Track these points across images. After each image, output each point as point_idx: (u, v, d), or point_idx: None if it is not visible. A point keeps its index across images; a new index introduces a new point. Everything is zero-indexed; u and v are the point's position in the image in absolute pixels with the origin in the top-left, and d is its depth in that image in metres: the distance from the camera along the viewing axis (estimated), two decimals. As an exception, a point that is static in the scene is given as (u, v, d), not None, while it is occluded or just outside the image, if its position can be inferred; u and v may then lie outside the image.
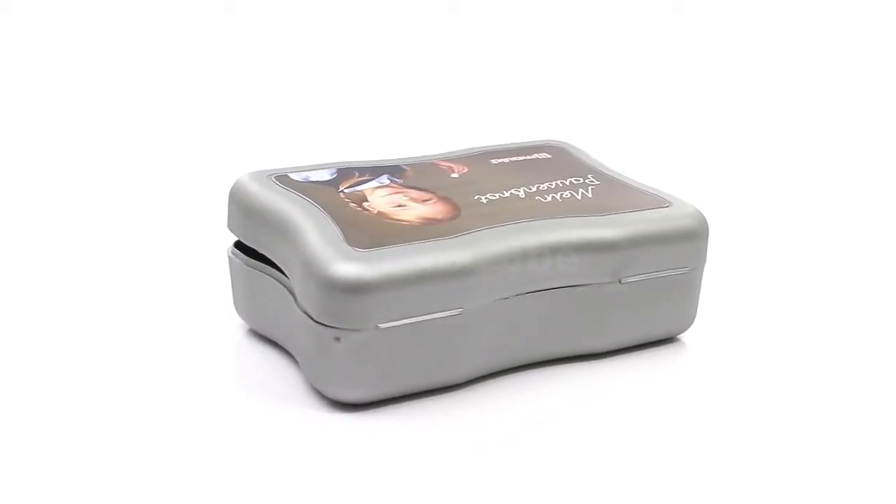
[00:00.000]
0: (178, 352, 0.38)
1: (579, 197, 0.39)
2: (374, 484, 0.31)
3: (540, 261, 0.36)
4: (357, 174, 0.40)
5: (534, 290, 0.36)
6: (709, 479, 0.32)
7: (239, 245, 0.39)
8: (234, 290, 0.39)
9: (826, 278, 0.48)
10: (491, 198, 0.39)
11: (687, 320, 0.40)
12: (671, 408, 0.36)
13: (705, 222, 0.40)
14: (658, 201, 0.40)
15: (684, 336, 0.41)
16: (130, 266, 0.45)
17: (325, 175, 0.40)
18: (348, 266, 0.33)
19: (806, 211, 0.56)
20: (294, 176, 0.39)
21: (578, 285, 0.37)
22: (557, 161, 0.43)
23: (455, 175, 0.41)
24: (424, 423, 0.34)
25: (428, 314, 0.34)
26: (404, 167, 0.41)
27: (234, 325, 0.40)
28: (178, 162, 0.56)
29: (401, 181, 0.40)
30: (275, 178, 0.39)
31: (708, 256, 0.47)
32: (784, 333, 0.42)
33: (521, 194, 0.39)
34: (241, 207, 0.38)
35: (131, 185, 0.54)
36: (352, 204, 0.37)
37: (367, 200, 0.38)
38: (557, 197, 0.39)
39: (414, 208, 0.37)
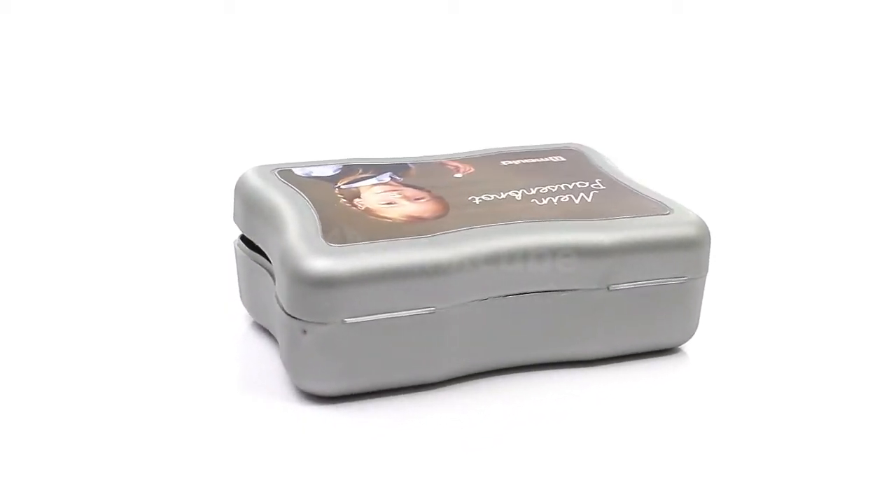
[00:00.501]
0: (183, 342, 0.39)
1: (577, 201, 0.39)
2: (338, 478, 0.32)
3: (520, 263, 0.36)
4: (361, 171, 0.41)
5: (514, 292, 0.36)
6: (692, 495, 0.32)
7: (244, 237, 0.40)
8: (238, 283, 0.41)
9: (835, 290, 0.46)
10: (485, 199, 0.39)
11: (687, 331, 0.39)
12: (657, 417, 0.36)
13: (706, 231, 0.38)
14: (659, 208, 0.39)
15: (686, 347, 0.40)
16: (145, 257, 0.46)
17: (328, 171, 0.41)
18: (317, 260, 0.34)
19: (824, 222, 0.54)
20: (297, 171, 0.40)
21: (562, 290, 0.37)
22: (570, 165, 0.43)
23: (459, 175, 0.41)
24: (400, 420, 0.35)
25: (397, 311, 0.34)
26: (411, 165, 0.42)
27: (240, 318, 0.41)
28: (200, 158, 0.58)
29: (401, 179, 0.40)
30: (278, 172, 0.40)
31: (720, 266, 0.46)
32: (789, 348, 0.41)
33: (518, 196, 0.39)
34: (243, 200, 0.39)
35: (152, 180, 0.56)
36: (342, 200, 0.38)
37: (359, 197, 0.38)
38: (554, 200, 0.39)
39: (403, 206, 0.38)
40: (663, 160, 0.61)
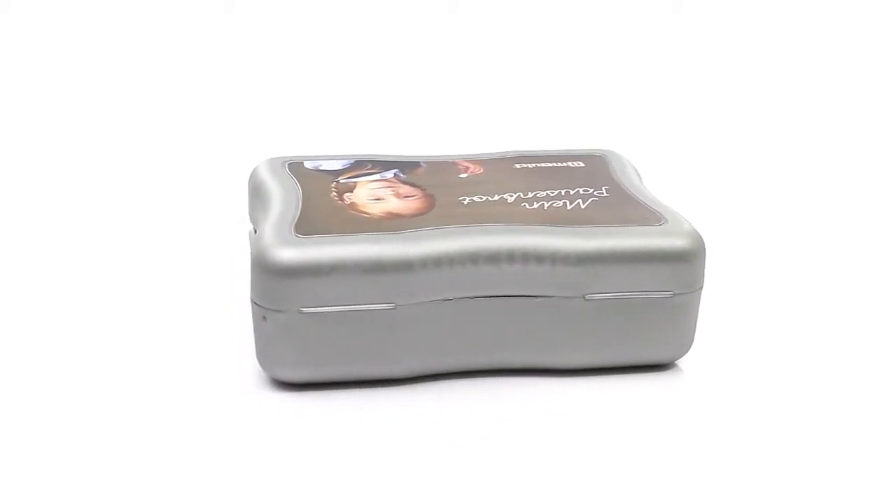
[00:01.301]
0: (189, 331, 0.41)
1: (569, 207, 0.38)
2: (283, 463, 0.33)
3: (485, 265, 0.36)
4: (370, 166, 0.41)
5: (483, 295, 0.36)
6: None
7: (259, 225, 0.42)
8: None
9: (842, 309, 0.43)
10: (476, 200, 0.39)
11: (679, 348, 0.38)
12: (627, 430, 0.35)
13: (698, 245, 0.37)
14: (653, 218, 0.38)
15: (681, 363, 0.39)
16: (171, 245, 0.48)
17: (337, 165, 0.42)
18: (278, 249, 0.35)
19: (837, 236, 0.51)
20: (307, 164, 0.41)
21: (534, 296, 0.36)
22: (585, 171, 0.42)
23: (464, 175, 0.41)
24: (359, 411, 0.35)
25: (355, 304, 0.35)
26: (422, 164, 0.42)
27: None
28: (236, 154, 0.58)
29: (404, 177, 0.40)
30: (288, 164, 0.41)
31: (732, 278, 0.44)
32: (786, 374, 0.39)
33: (511, 199, 0.39)
34: (250, 190, 0.41)
35: (180, 177, 0.57)
36: (333, 193, 0.39)
37: (351, 192, 0.39)
38: (545, 205, 0.38)
39: (388, 203, 0.38)
40: (701, 169, 0.59)
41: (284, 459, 0.33)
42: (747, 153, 0.62)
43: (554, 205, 0.38)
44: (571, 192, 0.39)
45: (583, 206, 0.38)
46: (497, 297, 0.36)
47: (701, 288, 0.37)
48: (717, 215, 0.52)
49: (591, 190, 0.40)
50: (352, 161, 0.42)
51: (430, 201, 0.38)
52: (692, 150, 0.63)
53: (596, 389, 0.37)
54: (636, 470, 0.33)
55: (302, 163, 0.42)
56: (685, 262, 0.37)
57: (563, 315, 0.36)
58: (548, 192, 0.39)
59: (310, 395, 0.36)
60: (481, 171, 0.41)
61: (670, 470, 0.33)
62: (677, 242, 0.37)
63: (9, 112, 0.64)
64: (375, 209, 0.37)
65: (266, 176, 0.40)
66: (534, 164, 0.42)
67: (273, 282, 0.34)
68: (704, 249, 0.37)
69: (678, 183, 0.54)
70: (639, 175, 0.43)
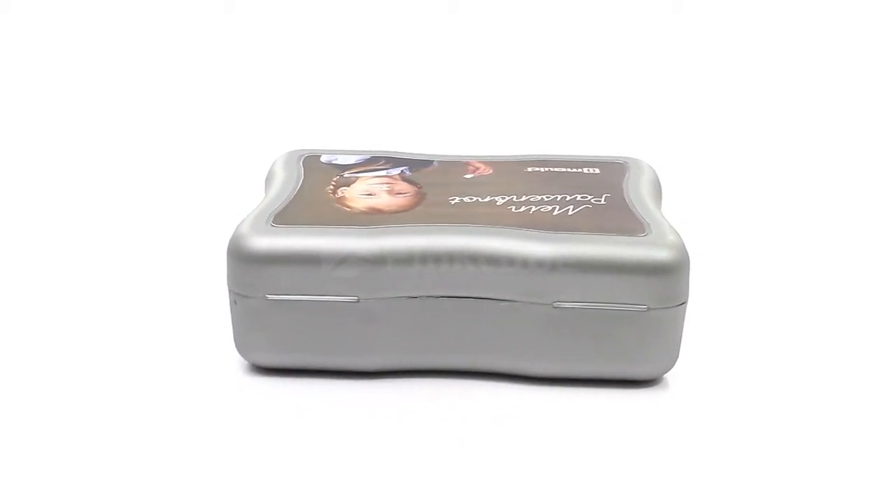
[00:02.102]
0: (184, 317, 0.42)
1: (555, 213, 0.37)
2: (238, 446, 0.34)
3: (454, 265, 0.35)
4: (382, 162, 0.42)
5: (449, 295, 0.36)
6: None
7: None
8: None
9: (841, 327, 0.41)
10: (466, 201, 0.38)
11: (659, 365, 0.36)
12: (575, 443, 0.34)
13: (678, 259, 0.35)
14: (638, 228, 0.36)
15: (668, 380, 0.37)
16: (186, 230, 0.49)
17: (352, 159, 0.42)
18: (248, 237, 0.36)
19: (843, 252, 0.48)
20: (324, 157, 0.42)
21: (501, 300, 0.36)
22: (597, 177, 0.41)
23: (469, 176, 0.41)
24: (322, 399, 0.36)
25: (318, 295, 0.36)
26: (435, 163, 0.42)
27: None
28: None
29: (409, 174, 0.41)
30: (305, 157, 0.42)
31: (729, 292, 0.42)
32: (777, 402, 0.36)
33: (500, 201, 0.38)
34: (265, 181, 0.42)
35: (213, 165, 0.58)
36: (330, 187, 0.39)
37: (348, 186, 0.40)
38: (532, 210, 0.38)
39: (378, 198, 0.38)
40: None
41: (244, 440, 0.34)
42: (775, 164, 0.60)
43: (541, 209, 0.38)
44: (567, 199, 0.39)
45: (571, 213, 0.37)
46: (463, 298, 0.36)
47: (682, 304, 0.36)
48: (745, 228, 0.51)
49: (590, 197, 0.39)
50: (368, 157, 0.43)
51: (419, 199, 0.38)
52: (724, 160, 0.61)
53: (564, 399, 0.36)
54: (580, 485, 0.32)
55: (319, 156, 0.43)
56: (661, 276, 0.35)
57: (530, 321, 0.36)
58: (543, 196, 0.39)
59: (280, 380, 0.37)
60: (490, 172, 0.41)
61: (621, 490, 0.32)
62: (654, 254, 0.35)
63: (25, 111, 0.66)
64: (360, 204, 0.38)
65: (278, 168, 0.42)
66: (546, 169, 0.42)
67: (240, 268, 0.36)
68: (686, 264, 0.35)
69: (706, 192, 0.53)
70: (656, 185, 0.41)
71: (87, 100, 0.67)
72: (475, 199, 0.39)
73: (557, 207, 0.38)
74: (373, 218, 0.37)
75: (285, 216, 0.37)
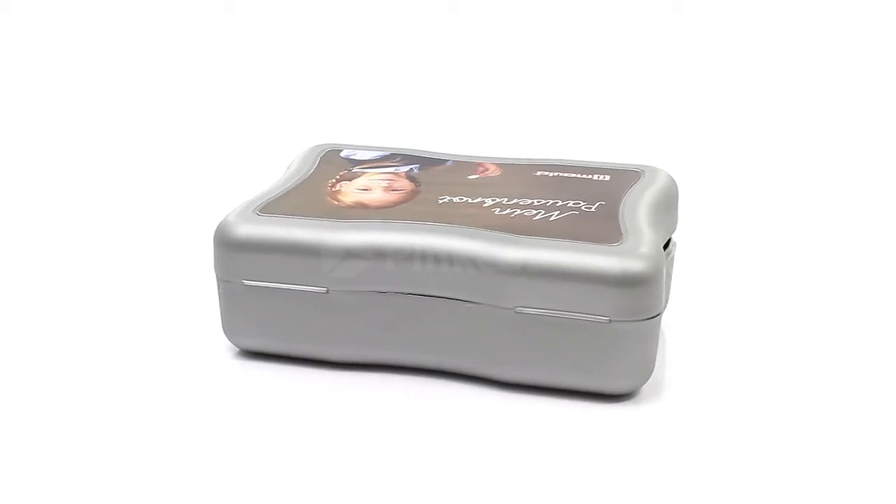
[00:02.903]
0: (183, 301, 0.44)
1: (536, 218, 0.37)
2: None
3: (421, 264, 0.36)
4: (399, 159, 0.42)
5: (417, 292, 0.36)
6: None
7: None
8: None
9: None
10: (455, 201, 0.38)
11: (628, 379, 0.35)
12: (521, 452, 0.33)
13: (645, 271, 0.34)
14: (613, 238, 0.35)
15: (645, 395, 0.36)
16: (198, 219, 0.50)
17: (369, 155, 0.43)
18: (231, 224, 0.37)
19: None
20: (344, 152, 0.43)
21: (466, 301, 0.36)
22: (602, 184, 0.40)
23: (474, 177, 0.41)
24: (294, 386, 0.37)
25: (290, 284, 0.37)
26: (449, 162, 0.42)
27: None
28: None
29: (417, 172, 0.41)
30: (326, 151, 0.43)
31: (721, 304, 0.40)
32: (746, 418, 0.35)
33: (488, 203, 0.38)
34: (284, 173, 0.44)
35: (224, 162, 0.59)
36: (332, 180, 0.40)
37: (350, 181, 0.40)
38: (514, 213, 0.37)
39: (371, 194, 0.39)
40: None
41: (213, 420, 0.35)
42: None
43: (524, 214, 0.37)
44: (558, 204, 0.38)
45: (552, 219, 0.37)
46: (429, 296, 0.36)
47: (651, 318, 0.34)
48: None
49: (581, 204, 0.38)
50: (386, 154, 0.43)
51: (409, 197, 0.39)
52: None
53: (526, 407, 0.36)
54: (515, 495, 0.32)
55: (341, 151, 0.44)
56: (623, 288, 0.34)
57: (493, 325, 0.35)
58: (534, 200, 0.38)
59: (257, 363, 0.38)
60: (497, 174, 0.41)
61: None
62: (617, 265, 0.34)
63: (36, 111, 0.68)
64: (350, 198, 0.39)
65: (296, 160, 0.43)
66: (555, 174, 0.41)
67: (222, 253, 0.37)
68: (654, 278, 0.34)
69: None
70: (666, 196, 0.40)
71: (127, 97, 0.69)
72: (465, 199, 0.38)
73: (542, 212, 0.37)
74: (355, 212, 0.38)
75: (273, 206, 0.38)
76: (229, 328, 0.38)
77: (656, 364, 0.37)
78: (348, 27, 0.73)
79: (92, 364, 0.39)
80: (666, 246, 0.40)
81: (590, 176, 0.41)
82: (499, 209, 0.38)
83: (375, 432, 0.34)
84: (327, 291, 0.36)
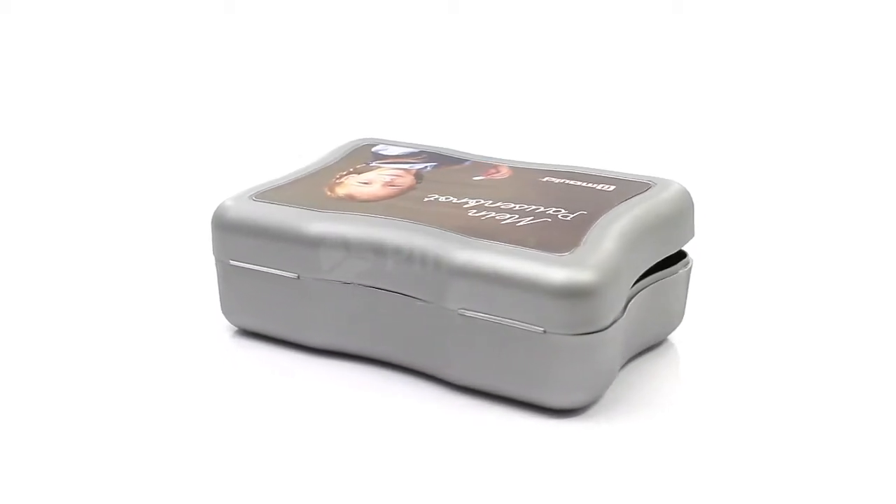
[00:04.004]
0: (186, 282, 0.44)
1: (504, 222, 0.36)
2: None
3: (377, 257, 0.36)
4: (422, 157, 0.43)
5: (375, 286, 0.36)
6: None
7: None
8: None
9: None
10: (440, 200, 0.38)
11: (571, 393, 0.34)
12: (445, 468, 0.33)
13: (586, 285, 0.33)
14: (567, 246, 0.34)
15: (594, 412, 0.34)
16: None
17: (396, 151, 0.44)
18: (225, 207, 0.39)
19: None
20: (377, 147, 0.44)
21: (417, 299, 0.36)
22: (601, 194, 0.38)
23: (479, 178, 0.41)
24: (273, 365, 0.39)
25: (266, 267, 0.38)
26: (467, 162, 0.42)
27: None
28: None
29: (426, 170, 0.41)
30: (362, 145, 0.45)
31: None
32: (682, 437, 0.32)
33: (470, 204, 0.38)
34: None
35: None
36: (342, 172, 0.41)
37: (358, 173, 0.41)
38: (486, 216, 0.37)
39: (368, 188, 0.40)
40: None
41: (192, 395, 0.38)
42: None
43: (496, 217, 0.37)
44: (538, 210, 0.37)
45: (520, 224, 0.36)
46: (386, 291, 0.36)
47: (592, 333, 0.33)
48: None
49: (562, 211, 0.37)
50: (414, 151, 0.44)
51: (399, 193, 0.39)
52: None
53: (466, 412, 0.35)
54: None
55: (376, 145, 0.44)
56: (559, 299, 0.33)
57: (440, 325, 0.35)
58: (516, 205, 0.37)
59: (248, 343, 0.40)
60: (504, 177, 0.40)
61: None
62: (555, 275, 0.33)
63: (41, 111, 0.70)
64: (344, 190, 0.40)
65: (328, 152, 0.44)
66: (561, 180, 0.40)
67: (215, 233, 0.39)
68: (595, 293, 0.33)
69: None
70: (667, 211, 0.37)
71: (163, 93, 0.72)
72: (450, 199, 0.38)
73: (516, 217, 0.36)
74: (340, 204, 0.38)
75: (270, 193, 0.40)
76: (224, 306, 0.40)
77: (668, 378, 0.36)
78: (420, 31, 0.75)
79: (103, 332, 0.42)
80: (675, 261, 0.38)
81: (594, 185, 0.39)
82: (475, 211, 0.37)
83: (304, 419, 0.35)
84: (298, 277, 0.38)
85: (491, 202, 0.38)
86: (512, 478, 0.32)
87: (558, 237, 0.35)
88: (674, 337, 0.40)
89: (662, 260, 0.38)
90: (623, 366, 0.37)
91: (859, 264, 0.47)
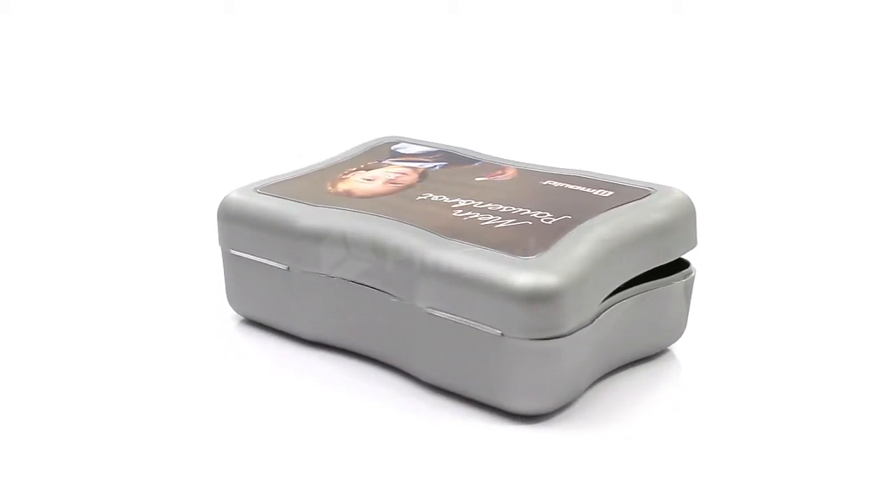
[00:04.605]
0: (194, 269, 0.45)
1: (483, 223, 0.36)
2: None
3: (353, 251, 0.36)
4: (438, 155, 0.43)
5: (357, 281, 0.37)
6: None
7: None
8: None
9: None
10: (432, 199, 0.39)
11: (530, 399, 0.33)
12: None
13: (541, 288, 0.32)
14: (533, 250, 0.34)
15: (563, 420, 0.34)
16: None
17: (413, 150, 0.44)
18: (227, 198, 0.40)
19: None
20: (397, 145, 0.45)
21: (392, 295, 0.36)
22: (594, 199, 0.38)
23: (481, 179, 0.40)
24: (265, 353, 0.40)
25: (260, 257, 0.39)
26: (477, 163, 0.42)
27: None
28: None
29: (438, 169, 0.41)
30: (382, 144, 0.45)
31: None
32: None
33: (460, 204, 0.38)
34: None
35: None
36: (352, 168, 0.42)
37: (367, 170, 0.42)
38: (468, 216, 0.37)
39: (370, 184, 0.40)
40: None
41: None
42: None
43: (478, 218, 0.36)
44: (522, 213, 0.37)
45: (498, 225, 0.36)
46: (364, 286, 0.37)
47: (549, 339, 0.32)
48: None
49: (543, 215, 0.36)
50: (431, 150, 0.44)
51: (397, 191, 0.39)
52: None
53: (434, 412, 0.35)
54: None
55: (395, 144, 0.45)
56: (516, 302, 0.32)
57: (411, 323, 0.35)
58: (503, 207, 0.37)
59: (247, 331, 0.41)
60: (507, 179, 0.40)
61: None
62: (515, 277, 0.32)
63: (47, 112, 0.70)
64: (345, 186, 0.40)
65: (350, 149, 0.45)
66: (561, 184, 0.39)
67: (219, 223, 0.40)
68: (552, 299, 0.32)
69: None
70: (660, 219, 0.36)
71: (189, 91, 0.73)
72: (442, 198, 0.38)
73: (498, 219, 0.36)
74: (335, 199, 0.39)
75: (274, 187, 0.41)
76: (229, 295, 0.41)
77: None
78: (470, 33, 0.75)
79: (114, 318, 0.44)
80: (678, 270, 0.37)
81: (591, 190, 0.39)
82: (461, 211, 0.37)
83: (274, 411, 0.36)
84: (288, 269, 0.38)
85: (481, 203, 0.38)
86: (473, 484, 0.32)
87: (531, 240, 0.34)
88: (675, 347, 0.39)
89: (663, 268, 0.37)
90: (609, 374, 0.37)
91: (871, 279, 0.45)
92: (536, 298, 0.32)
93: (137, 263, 0.48)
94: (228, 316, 0.42)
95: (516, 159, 0.43)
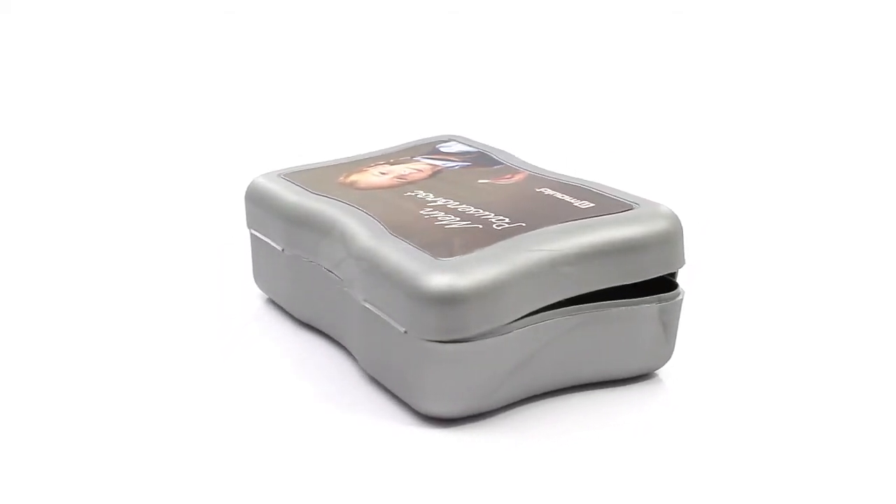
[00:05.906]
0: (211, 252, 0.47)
1: (438, 222, 0.36)
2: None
3: (316, 235, 0.38)
4: (465, 157, 0.43)
5: (322, 265, 0.38)
6: None
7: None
8: None
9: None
10: (417, 196, 0.39)
11: (433, 401, 0.33)
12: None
13: (442, 290, 0.32)
14: (458, 251, 0.33)
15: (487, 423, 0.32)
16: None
17: (453, 149, 0.44)
18: (253, 184, 0.42)
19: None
20: (445, 143, 0.45)
21: (343, 286, 0.36)
22: (570, 210, 0.36)
23: (484, 181, 0.40)
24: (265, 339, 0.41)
25: (262, 235, 0.41)
26: (497, 166, 0.42)
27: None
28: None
29: (455, 169, 0.41)
30: (431, 141, 0.46)
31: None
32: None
33: (436, 203, 0.38)
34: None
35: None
36: (380, 162, 0.43)
37: (390, 165, 0.43)
38: (433, 215, 0.37)
39: (378, 178, 0.41)
40: None
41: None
42: None
43: (437, 216, 0.36)
44: (482, 216, 0.36)
45: (449, 226, 0.35)
46: (328, 270, 0.38)
47: (449, 342, 0.32)
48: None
49: (503, 220, 0.35)
50: (471, 150, 0.44)
51: (397, 185, 0.40)
52: None
53: (367, 405, 0.35)
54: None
55: (444, 143, 0.45)
56: (417, 302, 0.32)
57: (353, 313, 0.36)
58: (473, 209, 0.37)
59: (271, 311, 0.43)
60: (508, 182, 0.39)
61: None
62: (422, 278, 0.32)
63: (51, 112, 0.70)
64: (355, 177, 0.41)
65: (407, 142, 0.46)
66: (550, 191, 0.38)
67: (245, 203, 0.43)
68: (459, 300, 0.32)
69: None
70: (633, 235, 0.35)
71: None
72: (427, 196, 0.38)
73: (456, 220, 0.36)
74: (336, 188, 0.40)
75: (296, 174, 0.42)
76: (254, 273, 0.44)
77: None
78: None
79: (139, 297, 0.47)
80: (667, 289, 0.36)
81: (573, 199, 0.37)
82: (430, 209, 0.37)
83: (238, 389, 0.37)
84: (282, 250, 0.40)
85: (456, 204, 0.37)
86: (367, 483, 0.32)
87: (467, 244, 0.34)
88: (663, 371, 0.37)
89: (656, 288, 0.35)
90: (579, 389, 0.36)
91: (872, 299, 0.41)
92: (436, 299, 0.32)
93: (194, 240, 0.52)
94: (254, 294, 0.45)
95: (551, 167, 0.42)
